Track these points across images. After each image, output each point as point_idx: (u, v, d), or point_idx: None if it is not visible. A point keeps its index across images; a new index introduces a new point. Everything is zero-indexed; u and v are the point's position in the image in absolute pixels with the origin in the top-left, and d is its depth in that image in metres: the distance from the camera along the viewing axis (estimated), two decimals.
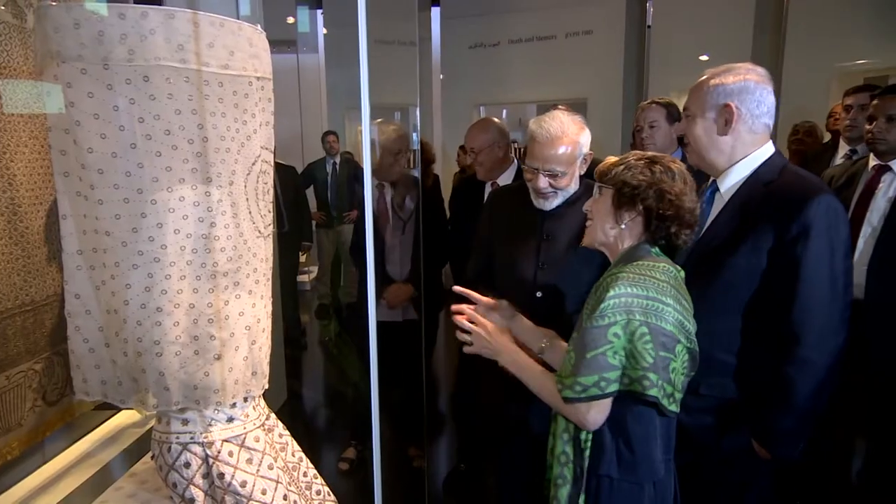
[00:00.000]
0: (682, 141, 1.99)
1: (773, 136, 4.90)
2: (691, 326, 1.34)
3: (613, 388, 1.28)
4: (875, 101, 2.34)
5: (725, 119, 1.57)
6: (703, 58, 5.46)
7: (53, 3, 1.19)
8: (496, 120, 2.78)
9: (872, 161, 2.36)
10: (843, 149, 3.15)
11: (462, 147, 5.73)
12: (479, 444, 3.13)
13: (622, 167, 1.38)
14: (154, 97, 1.20)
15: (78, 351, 1.35)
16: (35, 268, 1.52)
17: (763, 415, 1.55)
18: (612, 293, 1.27)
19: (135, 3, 1.21)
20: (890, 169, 2.30)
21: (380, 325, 2.85)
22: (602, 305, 1.27)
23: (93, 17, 1.14)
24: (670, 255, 1.43)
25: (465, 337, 1.56)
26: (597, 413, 1.32)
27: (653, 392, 1.26)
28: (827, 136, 3.94)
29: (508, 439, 2.07)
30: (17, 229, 1.45)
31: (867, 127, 2.35)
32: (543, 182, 1.82)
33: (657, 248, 1.39)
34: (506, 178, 2.66)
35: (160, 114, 1.21)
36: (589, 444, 1.36)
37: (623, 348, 1.27)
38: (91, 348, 1.35)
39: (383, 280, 2.89)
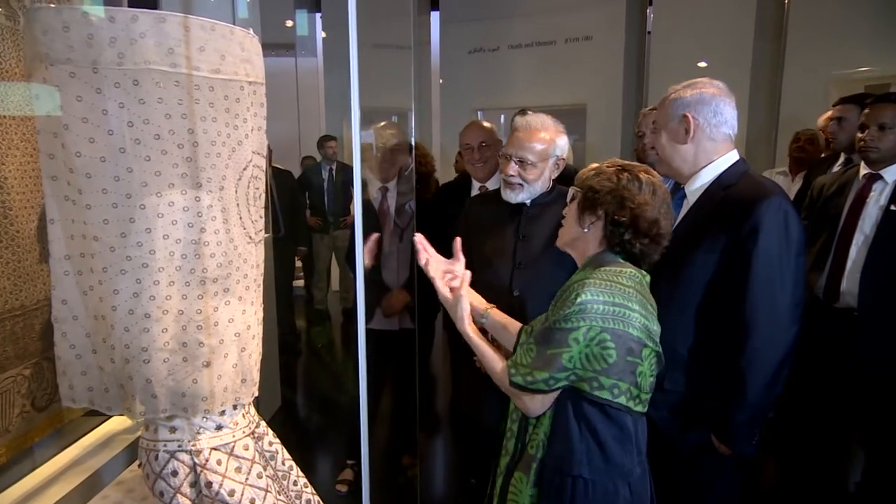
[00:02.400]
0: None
1: (774, 143, 4.87)
2: (656, 328, 1.39)
3: (560, 384, 1.34)
4: (866, 110, 2.35)
5: (685, 129, 1.68)
6: (702, 64, 5.47)
7: (43, 6, 1.19)
8: None
9: (863, 170, 2.37)
10: (843, 156, 3.15)
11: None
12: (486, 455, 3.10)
13: (593, 173, 1.45)
14: (144, 101, 1.20)
15: (64, 357, 1.34)
16: (26, 272, 1.51)
17: (718, 409, 1.62)
18: (579, 299, 1.31)
19: (127, 6, 1.21)
20: (881, 177, 2.31)
21: (376, 333, 2.86)
22: (569, 311, 1.32)
23: (82, 19, 1.14)
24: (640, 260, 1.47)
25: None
26: (540, 405, 1.39)
27: (601, 394, 1.31)
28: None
29: (489, 442, 2.10)
30: (7, 233, 1.45)
31: (859, 135, 2.36)
32: (512, 168, 1.92)
33: (623, 255, 1.43)
34: (494, 183, 2.67)
35: (150, 118, 1.21)
36: (540, 435, 1.42)
37: (579, 353, 1.32)
38: (78, 354, 1.34)
39: (380, 288, 2.88)
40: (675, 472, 1.71)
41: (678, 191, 1.80)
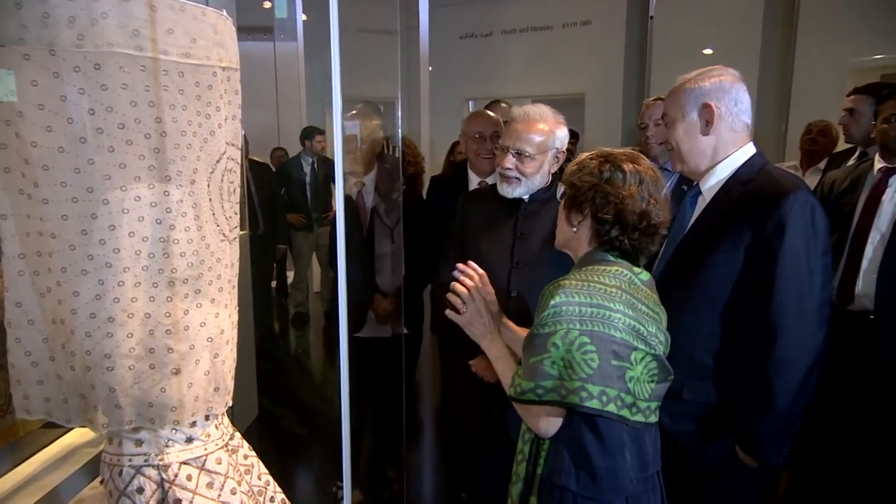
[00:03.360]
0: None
1: (784, 136, 4.93)
2: (654, 331, 1.38)
3: (550, 396, 1.34)
4: (892, 101, 2.37)
5: (706, 119, 1.67)
6: (708, 52, 5.49)
7: None
8: None
9: (878, 163, 2.38)
10: (859, 150, 3.18)
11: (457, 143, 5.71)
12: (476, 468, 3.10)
13: (576, 167, 1.45)
14: (106, 87, 1.17)
15: (19, 365, 1.31)
16: None
17: (744, 419, 1.62)
18: (553, 301, 1.33)
19: None
20: None
21: (368, 341, 2.85)
22: (543, 314, 1.34)
23: None
24: (649, 259, 1.50)
25: (457, 301, 1.60)
26: (546, 423, 1.39)
27: (591, 404, 1.30)
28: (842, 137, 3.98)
29: (489, 447, 2.13)
30: None
31: (883, 126, 2.37)
32: (510, 161, 1.94)
33: (616, 253, 1.43)
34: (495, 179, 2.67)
35: (113, 105, 1.19)
36: (545, 449, 1.42)
37: (561, 358, 1.32)
38: (34, 362, 1.31)
39: (372, 292, 2.86)
40: (693, 486, 1.72)
41: (692, 188, 1.79)
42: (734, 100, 1.66)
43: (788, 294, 1.53)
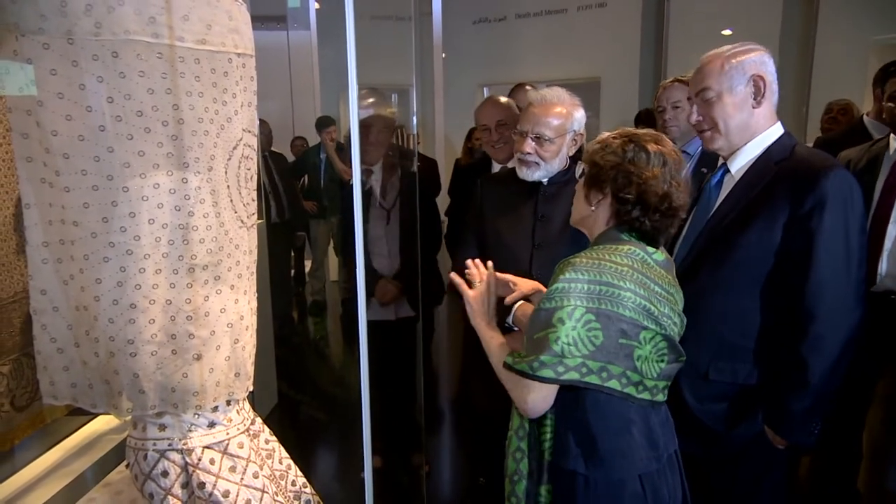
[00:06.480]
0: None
1: (804, 118, 4.82)
2: (667, 311, 1.37)
3: (545, 373, 1.31)
4: None
5: (756, 91, 1.64)
6: (727, 32, 5.40)
7: None
8: None
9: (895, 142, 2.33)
10: (877, 131, 3.11)
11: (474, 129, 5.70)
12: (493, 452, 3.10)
13: (599, 146, 1.44)
14: (124, 75, 1.19)
15: (45, 351, 1.34)
16: (1, 262, 1.51)
17: (776, 398, 1.60)
18: (562, 277, 1.33)
19: None
20: None
21: (372, 324, 2.88)
22: (551, 289, 1.34)
23: None
24: (671, 240, 1.47)
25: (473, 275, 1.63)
26: (535, 398, 1.36)
27: (590, 379, 1.30)
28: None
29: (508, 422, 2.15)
30: None
31: (889, 105, 2.33)
32: (529, 146, 1.94)
33: (634, 234, 1.41)
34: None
35: (131, 93, 1.20)
36: (548, 436, 1.41)
37: (566, 335, 1.31)
38: (59, 348, 1.34)
39: (372, 275, 2.89)
40: (721, 468, 1.71)
41: (718, 168, 1.77)
42: (772, 73, 1.65)
43: (826, 271, 1.51)
